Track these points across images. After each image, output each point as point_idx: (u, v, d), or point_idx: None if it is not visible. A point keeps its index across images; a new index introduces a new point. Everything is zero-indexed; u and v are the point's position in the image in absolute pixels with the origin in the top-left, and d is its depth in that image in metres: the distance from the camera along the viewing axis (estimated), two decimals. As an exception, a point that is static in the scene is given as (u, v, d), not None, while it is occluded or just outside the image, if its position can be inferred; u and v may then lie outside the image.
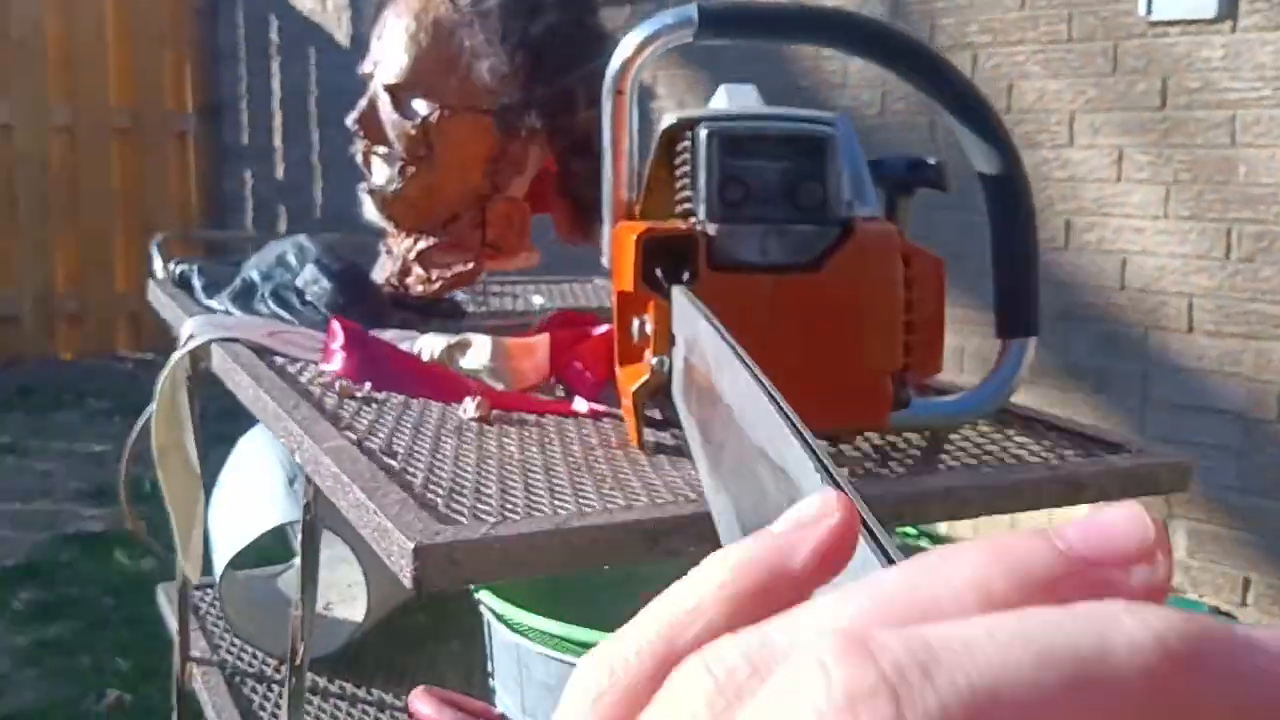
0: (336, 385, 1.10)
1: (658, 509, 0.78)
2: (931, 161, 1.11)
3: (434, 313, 1.45)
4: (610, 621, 0.93)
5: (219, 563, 1.52)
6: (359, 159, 1.49)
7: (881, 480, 0.90)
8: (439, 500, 0.77)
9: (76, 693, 2.12)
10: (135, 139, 5.50)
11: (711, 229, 0.98)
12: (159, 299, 1.55)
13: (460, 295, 1.61)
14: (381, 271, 1.49)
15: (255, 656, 1.52)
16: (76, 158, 5.34)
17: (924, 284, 1.08)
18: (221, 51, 5.70)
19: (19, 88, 5.27)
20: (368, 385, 1.11)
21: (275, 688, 1.41)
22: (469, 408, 1.06)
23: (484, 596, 0.88)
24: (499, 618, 0.87)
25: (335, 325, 1.18)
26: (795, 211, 0.98)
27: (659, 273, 0.98)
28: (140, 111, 5.51)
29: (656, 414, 1.07)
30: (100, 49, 5.44)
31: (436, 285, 1.44)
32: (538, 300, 1.65)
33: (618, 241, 1.02)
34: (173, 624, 1.61)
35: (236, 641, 1.55)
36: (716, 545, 0.26)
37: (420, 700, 0.85)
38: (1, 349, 5.04)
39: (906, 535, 1.09)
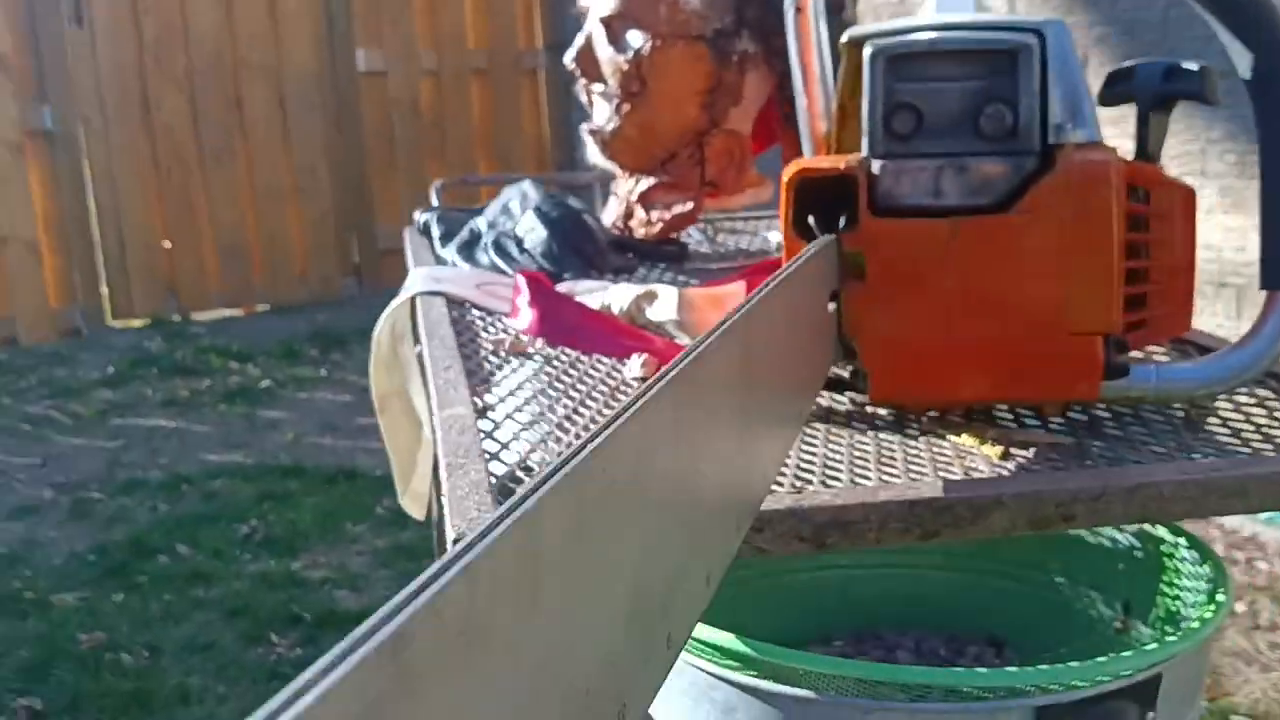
0: (507, 342, 1.06)
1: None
2: (1192, 68, 0.90)
3: (657, 256, 1.38)
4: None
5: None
6: (582, 98, 1.43)
7: (1040, 473, 0.74)
8: (516, 487, 0.71)
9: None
10: (491, 79, 5.74)
11: (875, 166, 0.84)
12: (410, 248, 1.57)
13: (694, 235, 1.53)
14: (609, 215, 1.44)
15: None
16: (442, 100, 5.65)
17: (1168, 222, 0.89)
18: (568, -14, 5.83)
19: (389, 36, 5.62)
20: (540, 341, 1.06)
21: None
22: (634, 366, 0.99)
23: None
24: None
25: (520, 280, 1.13)
26: (979, 142, 0.81)
27: (811, 220, 0.86)
28: (495, 51, 5.74)
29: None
30: (458, -9, 5.70)
31: (657, 227, 1.36)
32: (774, 238, 1.54)
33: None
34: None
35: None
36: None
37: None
38: (393, 282, 5.45)
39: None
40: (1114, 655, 0.69)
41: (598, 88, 1.34)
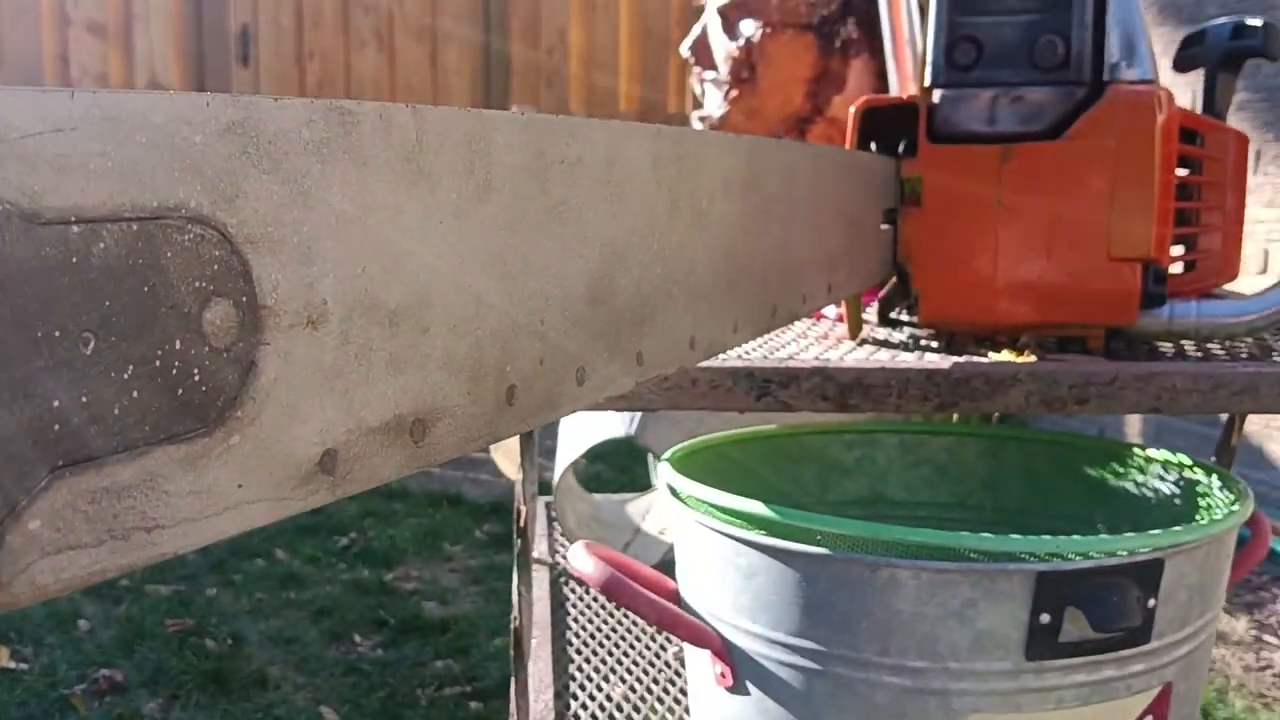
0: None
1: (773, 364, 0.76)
2: (1256, 24, 0.97)
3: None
4: (807, 502, 0.90)
5: (558, 473, 1.65)
6: (695, 87, 1.54)
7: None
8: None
9: (500, 609, 2.43)
10: (640, 143, 5.93)
11: (936, 95, 0.92)
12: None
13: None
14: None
15: None
16: (589, 162, 5.86)
17: (1218, 165, 0.95)
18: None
19: (545, 95, 5.90)
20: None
21: (591, 590, 1.50)
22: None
23: (663, 470, 0.89)
24: (676, 494, 0.87)
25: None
26: (1033, 72, 0.89)
27: (874, 146, 0.94)
28: (644, 112, 5.96)
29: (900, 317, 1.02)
30: (614, 55, 5.96)
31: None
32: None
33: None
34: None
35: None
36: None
37: (581, 555, 0.86)
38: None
39: (1181, 466, 0.95)
40: (1116, 535, 0.74)
41: (710, 75, 1.45)
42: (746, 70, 1.40)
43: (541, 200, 0.43)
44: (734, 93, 1.42)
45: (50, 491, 0.24)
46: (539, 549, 1.69)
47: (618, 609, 1.42)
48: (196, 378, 0.27)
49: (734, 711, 0.81)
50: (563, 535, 1.71)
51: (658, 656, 1.29)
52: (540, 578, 1.57)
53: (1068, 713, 0.74)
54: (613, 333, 0.49)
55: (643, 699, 1.20)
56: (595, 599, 1.48)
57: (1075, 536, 0.75)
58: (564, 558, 1.65)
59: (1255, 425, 2.29)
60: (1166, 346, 0.91)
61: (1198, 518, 0.88)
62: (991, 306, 0.89)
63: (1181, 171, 0.93)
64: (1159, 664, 0.75)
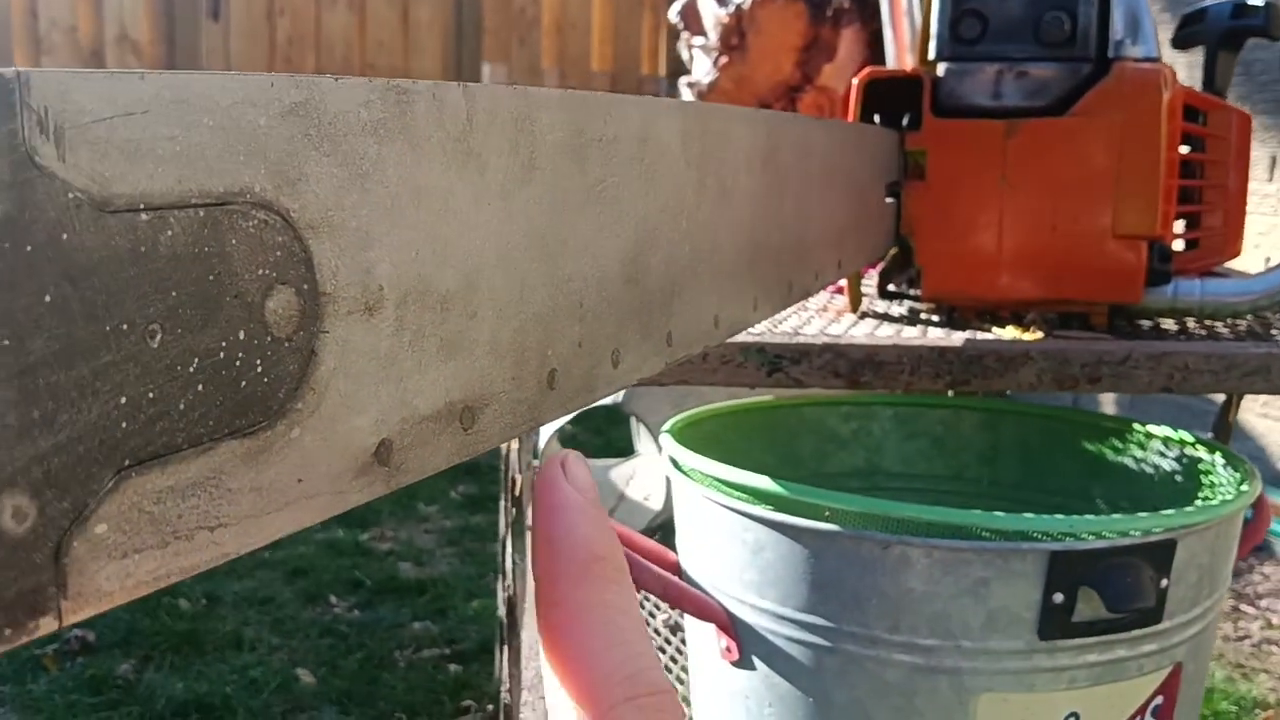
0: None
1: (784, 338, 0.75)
2: (1258, 3, 0.96)
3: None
4: (804, 474, 0.90)
5: (543, 439, 1.64)
6: (684, 54, 1.53)
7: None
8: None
9: (476, 571, 2.43)
10: (613, 103, 5.90)
11: (940, 69, 0.91)
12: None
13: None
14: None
15: None
16: (561, 122, 5.82)
17: (1221, 144, 0.94)
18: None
19: (517, 53, 5.84)
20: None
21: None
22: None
23: (665, 442, 0.88)
24: (679, 467, 0.87)
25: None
26: (1039, 47, 0.88)
27: (877, 119, 0.93)
28: (617, 75, 5.91)
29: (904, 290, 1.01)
30: (586, 14, 5.90)
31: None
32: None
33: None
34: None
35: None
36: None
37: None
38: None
39: (1182, 442, 0.95)
40: (1129, 515, 0.74)
41: (698, 41, 1.44)
42: (736, 37, 1.39)
43: (581, 180, 0.41)
44: (723, 60, 1.40)
45: (117, 493, 0.23)
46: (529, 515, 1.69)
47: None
48: (259, 369, 0.26)
49: (739, 686, 0.80)
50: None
51: (646, 624, 1.29)
52: (524, 543, 1.57)
53: (1079, 693, 0.74)
54: (645, 313, 0.48)
55: (632, 668, 1.20)
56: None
57: (1088, 516, 0.75)
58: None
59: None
60: (1169, 324, 0.91)
61: (1201, 496, 0.88)
62: (994, 282, 0.88)
63: (1184, 149, 0.92)
64: (1170, 644, 0.75)
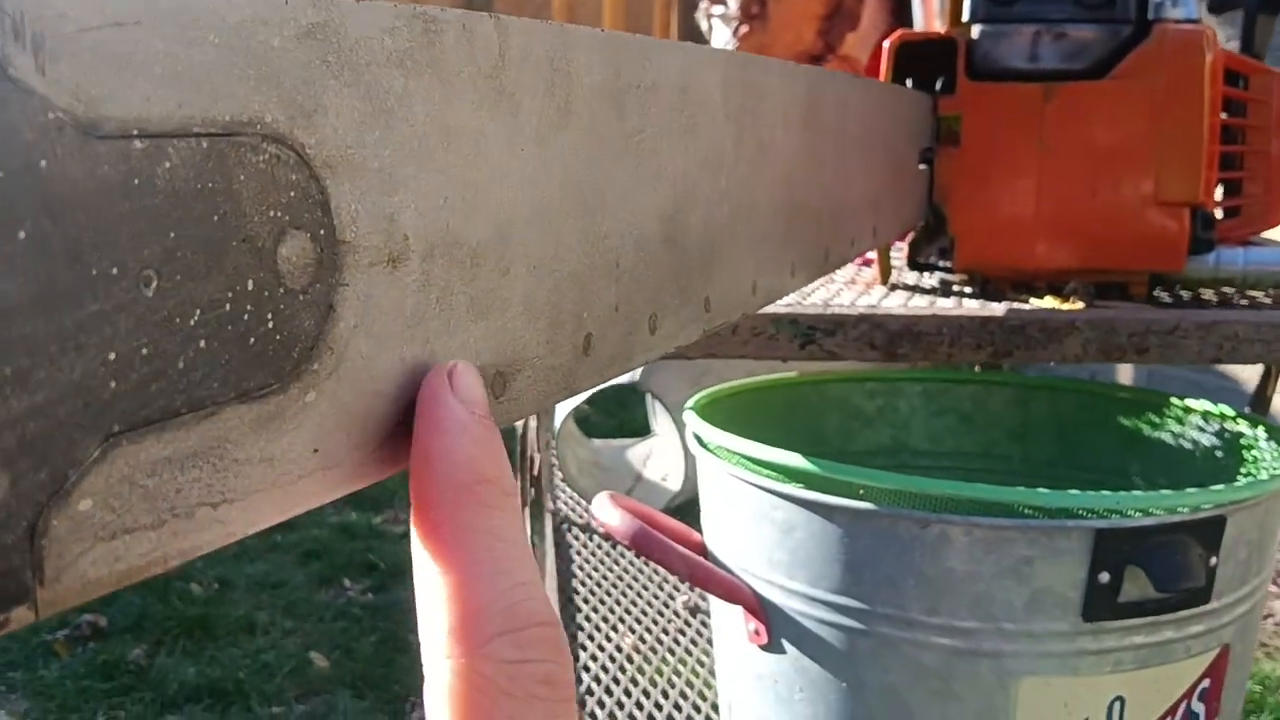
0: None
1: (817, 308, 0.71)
2: (1301, -34, 0.92)
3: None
4: (829, 451, 0.86)
5: (559, 419, 1.61)
6: (702, 24, 1.49)
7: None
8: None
9: None
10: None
11: (975, 31, 0.87)
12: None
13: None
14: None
15: (586, 509, 1.62)
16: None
17: (1263, 109, 0.90)
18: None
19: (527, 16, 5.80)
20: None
21: (595, 538, 1.47)
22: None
23: (689, 419, 0.85)
24: (704, 444, 0.83)
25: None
26: (1077, 9, 0.85)
27: (909, 83, 0.90)
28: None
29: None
30: (597, -2, 5.85)
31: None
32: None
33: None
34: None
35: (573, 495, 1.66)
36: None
37: (606, 507, 0.81)
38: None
39: (1221, 416, 0.92)
40: (1176, 490, 0.70)
41: (718, 10, 1.40)
42: (757, 5, 1.35)
43: (619, 128, 0.38)
44: (744, 29, 1.36)
45: (104, 463, 0.19)
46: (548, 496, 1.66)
47: (622, 557, 1.38)
48: (270, 324, 0.23)
49: (768, 669, 0.77)
50: (563, 481, 1.68)
51: (666, 606, 1.26)
52: (543, 525, 1.54)
53: (1125, 676, 0.70)
54: (684, 276, 0.44)
55: (653, 649, 1.17)
56: (600, 546, 1.44)
57: (1134, 492, 0.71)
58: (566, 505, 1.61)
59: (1250, 371, 2.26)
60: (1208, 294, 0.87)
61: (1244, 472, 0.84)
62: (1031, 251, 0.85)
63: (1224, 115, 0.88)
64: (1218, 624, 0.72)
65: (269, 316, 0.22)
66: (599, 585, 1.32)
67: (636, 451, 1.89)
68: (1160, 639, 0.72)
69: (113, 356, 0.19)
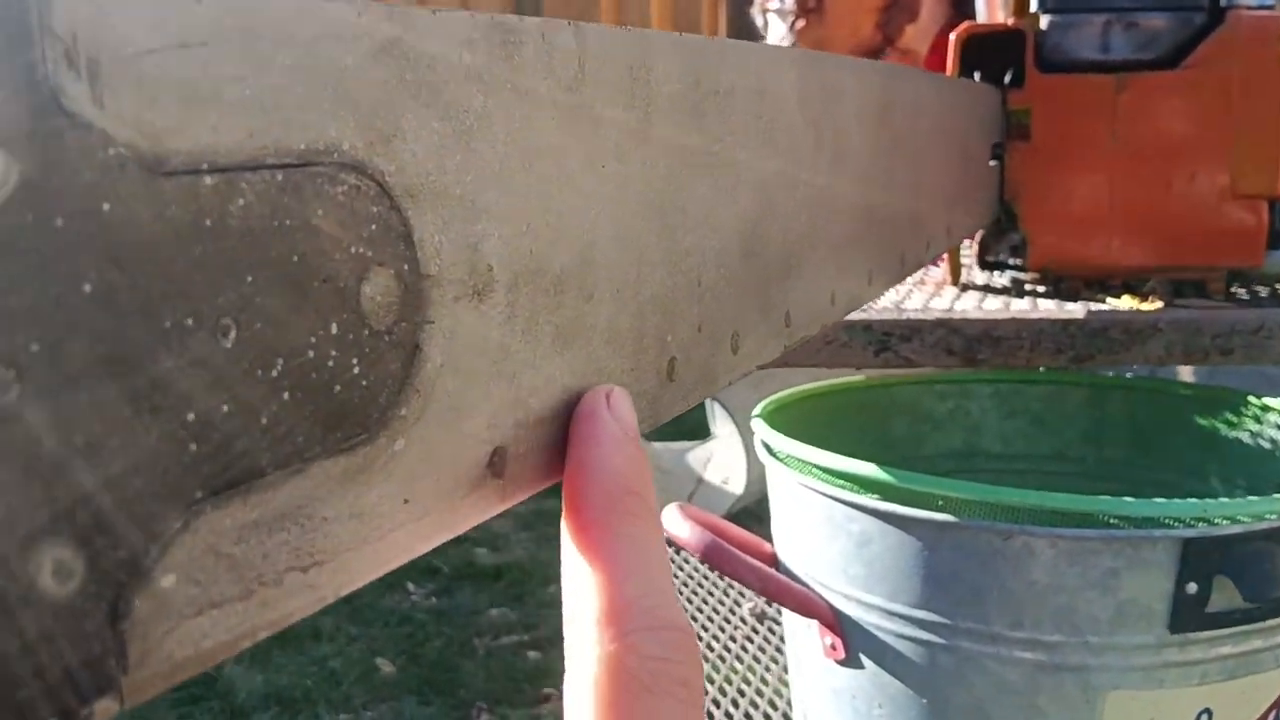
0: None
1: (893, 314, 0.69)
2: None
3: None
4: (898, 456, 0.83)
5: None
6: (758, 20, 1.46)
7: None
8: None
9: (551, 555, 2.41)
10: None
11: (1044, 21, 0.84)
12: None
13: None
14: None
15: None
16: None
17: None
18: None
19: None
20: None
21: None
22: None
23: (757, 426, 0.83)
24: (773, 453, 0.81)
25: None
26: (1151, -4, 0.82)
27: (977, 77, 0.87)
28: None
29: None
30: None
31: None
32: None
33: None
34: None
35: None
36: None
37: (676, 519, 0.79)
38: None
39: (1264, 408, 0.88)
40: (1264, 496, 0.67)
41: (774, 4, 1.37)
42: (815, 0, 1.32)
43: (699, 138, 0.36)
44: (800, 23, 1.34)
45: (187, 534, 0.17)
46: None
47: (686, 563, 1.36)
48: (356, 370, 0.21)
49: (846, 684, 0.75)
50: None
51: (732, 613, 1.24)
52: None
53: (1212, 688, 0.67)
54: (763, 291, 0.42)
55: (721, 658, 1.14)
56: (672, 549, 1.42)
57: (1222, 499, 0.68)
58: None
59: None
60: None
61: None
62: (1106, 248, 0.82)
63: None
64: (1313, 635, 0.69)
65: (354, 361, 0.21)
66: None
67: (697, 455, 1.87)
68: (1248, 649, 0.69)
69: (191, 417, 0.17)
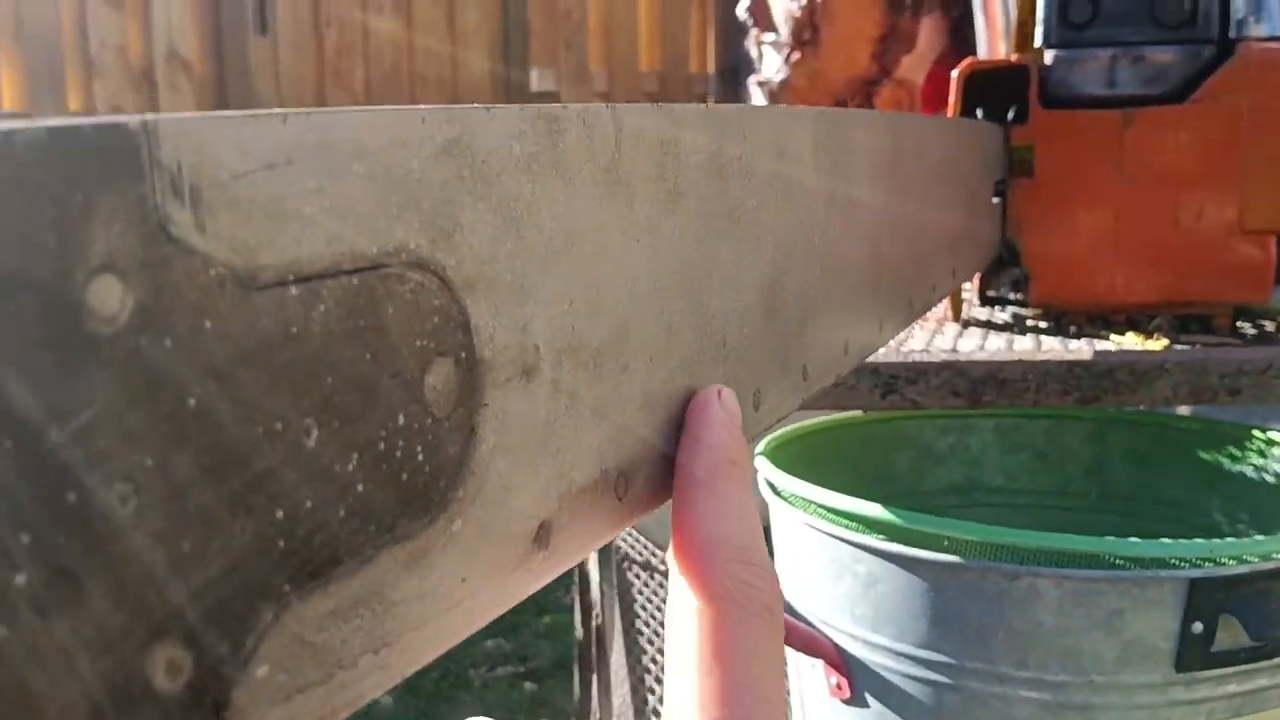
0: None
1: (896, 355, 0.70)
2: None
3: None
4: (900, 491, 0.85)
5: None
6: (753, 52, 1.48)
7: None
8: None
9: (546, 586, 2.41)
10: (662, 101, 5.85)
11: (1048, 56, 0.86)
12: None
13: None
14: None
15: (646, 547, 1.60)
16: (611, 123, 5.79)
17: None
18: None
19: (564, 56, 5.81)
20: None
21: (656, 576, 1.46)
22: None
23: (760, 464, 0.84)
24: (777, 492, 0.82)
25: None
26: (1156, 30, 0.83)
27: (979, 113, 0.89)
28: (666, 76, 5.86)
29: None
30: (633, 15, 5.86)
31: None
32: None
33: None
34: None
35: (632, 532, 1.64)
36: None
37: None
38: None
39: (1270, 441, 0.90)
40: (1270, 535, 0.69)
41: (769, 37, 1.39)
42: (809, 31, 1.34)
43: (722, 204, 0.37)
44: (795, 55, 1.36)
45: (277, 626, 0.19)
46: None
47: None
48: (420, 457, 0.22)
49: (853, 725, 0.76)
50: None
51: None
52: (611, 571, 1.53)
53: (1221, 727, 0.69)
54: (782, 346, 0.43)
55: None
56: (661, 585, 1.43)
57: (1229, 539, 0.70)
58: (626, 542, 1.60)
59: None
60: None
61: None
62: (1111, 284, 0.84)
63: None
64: (1319, 673, 0.70)
65: (419, 449, 0.22)
66: (664, 625, 1.30)
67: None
68: (1254, 687, 0.70)
69: (280, 514, 0.19)
